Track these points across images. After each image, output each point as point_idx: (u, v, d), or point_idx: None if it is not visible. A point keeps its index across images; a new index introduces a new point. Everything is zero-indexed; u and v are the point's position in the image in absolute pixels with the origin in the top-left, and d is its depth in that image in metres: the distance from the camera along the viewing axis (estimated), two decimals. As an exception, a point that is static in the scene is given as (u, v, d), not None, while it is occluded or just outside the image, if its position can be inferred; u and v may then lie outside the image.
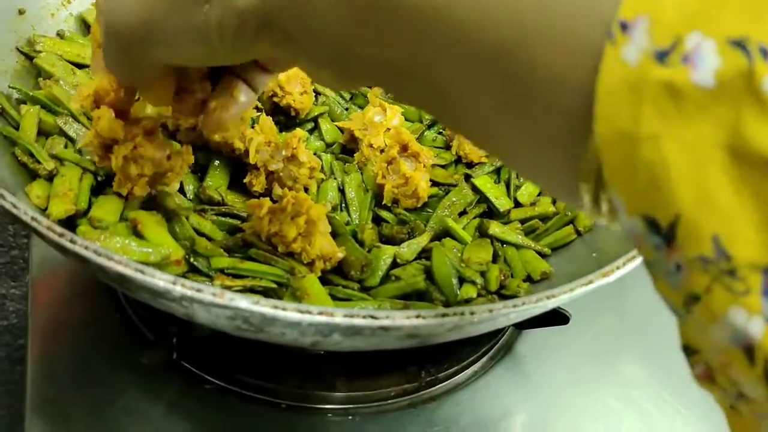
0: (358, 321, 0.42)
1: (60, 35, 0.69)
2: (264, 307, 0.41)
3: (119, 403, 0.58)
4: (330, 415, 0.61)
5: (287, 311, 0.41)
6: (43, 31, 0.68)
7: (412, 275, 0.59)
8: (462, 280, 0.59)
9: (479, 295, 0.59)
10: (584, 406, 0.64)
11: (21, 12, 0.66)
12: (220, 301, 0.41)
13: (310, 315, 0.41)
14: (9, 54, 0.64)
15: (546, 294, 0.45)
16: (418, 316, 0.42)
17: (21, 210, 0.44)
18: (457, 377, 0.64)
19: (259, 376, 0.60)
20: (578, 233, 0.65)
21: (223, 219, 0.62)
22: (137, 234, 0.53)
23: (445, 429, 0.60)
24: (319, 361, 0.63)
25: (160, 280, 0.41)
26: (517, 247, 0.64)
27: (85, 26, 0.71)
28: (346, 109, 0.79)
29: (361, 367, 0.63)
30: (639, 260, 0.49)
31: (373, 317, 0.42)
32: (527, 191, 0.69)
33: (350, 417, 0.60)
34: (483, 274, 0.60)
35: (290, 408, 0.60)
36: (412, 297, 0.58)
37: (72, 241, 0.42)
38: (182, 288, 0.41)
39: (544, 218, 0.67)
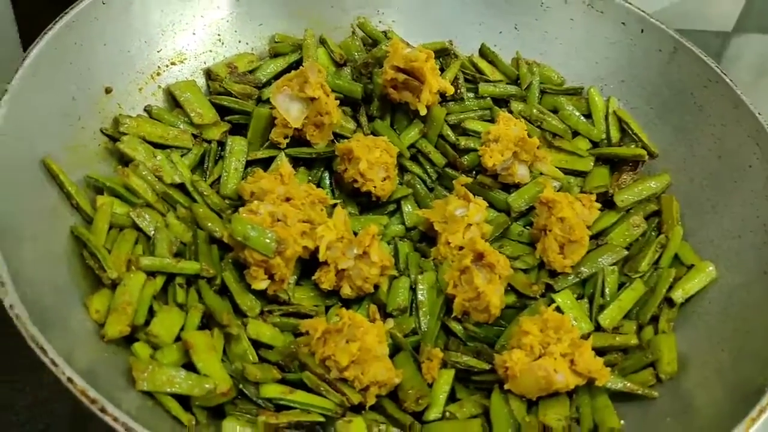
0: None
1: (148, 111, 0.68)
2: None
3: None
4: None
5: None
6: (130, 108, 0.68)
7: (470, 413, 0.56)
8: (520, 436, 0.55)
9: (537, 449, 0.55)
10: None
11: (108, 91, 0.66)
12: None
13: None
14: (92, 139, 0.63)
15: None
16: None
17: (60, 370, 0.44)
18: None
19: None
20: (659, 380, 0.59)
21: (287, 320, 0.61)
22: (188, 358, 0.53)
23: None
24: None
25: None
26: (590, 386, 0.59)
27: (172, 100, 0.70)
28: (431, 189, 0.75)
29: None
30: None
31: None
32: (611, 314, 0.63)
33: None
34: (545, 428, 0.55)
35: None
36: (465, 441, 0.55)
37: (103, 411, 0.42)
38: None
39: (625, 349, 0.61)
